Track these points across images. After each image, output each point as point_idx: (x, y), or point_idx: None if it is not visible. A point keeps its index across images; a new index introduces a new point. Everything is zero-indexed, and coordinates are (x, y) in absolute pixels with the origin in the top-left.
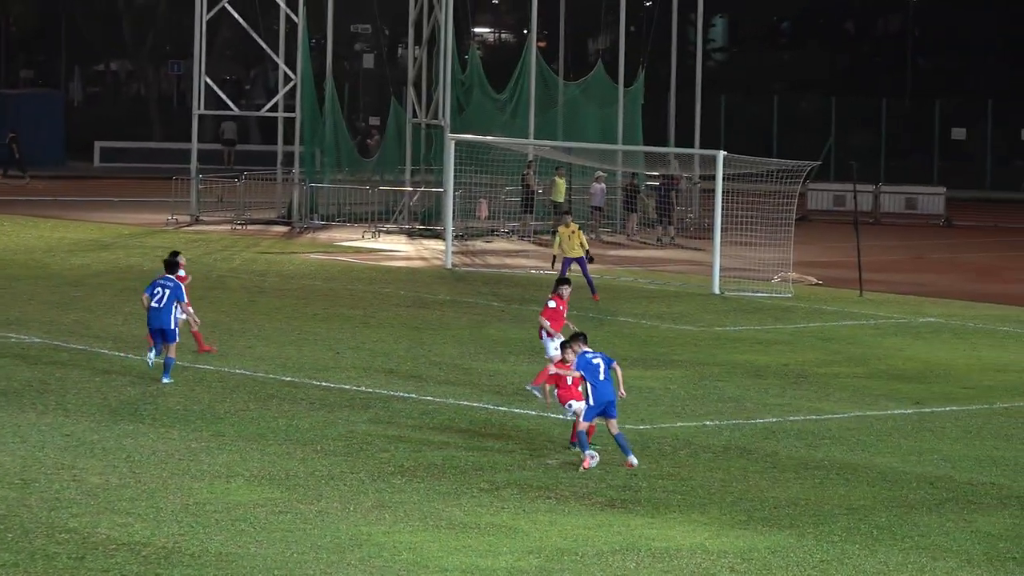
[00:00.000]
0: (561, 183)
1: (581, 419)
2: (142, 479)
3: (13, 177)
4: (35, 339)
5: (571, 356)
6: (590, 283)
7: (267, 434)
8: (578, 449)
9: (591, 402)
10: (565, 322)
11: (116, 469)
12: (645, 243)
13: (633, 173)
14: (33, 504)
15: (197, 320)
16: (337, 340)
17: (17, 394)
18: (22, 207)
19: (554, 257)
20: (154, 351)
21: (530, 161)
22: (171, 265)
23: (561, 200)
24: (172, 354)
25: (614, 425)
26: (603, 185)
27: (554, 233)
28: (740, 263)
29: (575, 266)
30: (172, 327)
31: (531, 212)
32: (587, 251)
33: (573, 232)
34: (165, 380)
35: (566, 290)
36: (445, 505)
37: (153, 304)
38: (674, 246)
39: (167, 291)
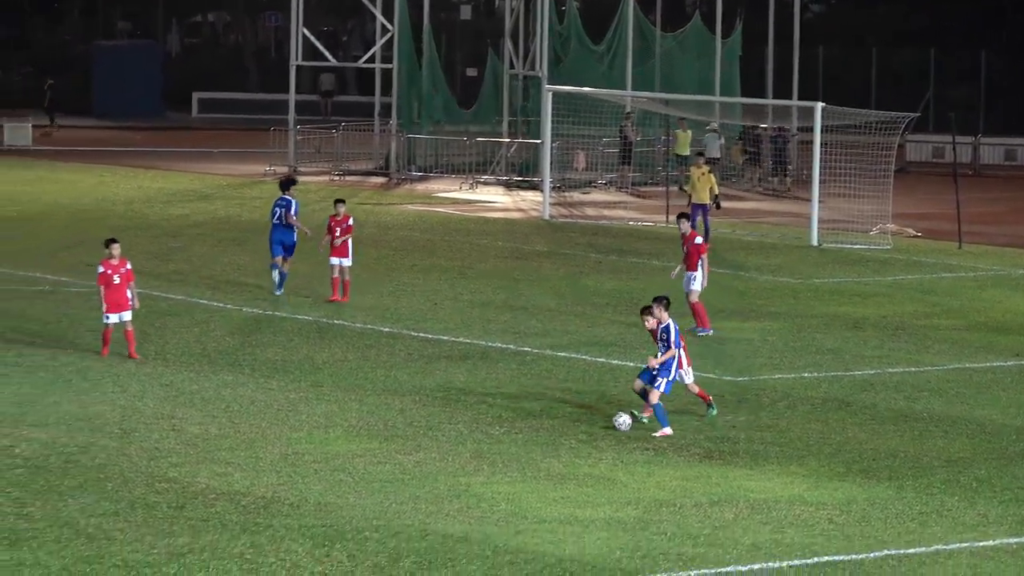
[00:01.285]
0: (684, 136)
1: (662, 391)
2: (241, 429)
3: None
4: (136, 289)
5: (660, 315)
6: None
7: (365, 385)
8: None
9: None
10: (696, 260)
11: (215, 419)
12: (767, 193)
13: (744, 126)
14: (133, 454)
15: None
16: (435, 291)
17: (117, 344)
18: (121, 158)
19: (689, 198)
20: (278, 277)
21: (628, 112)
22: (286, 185)
23: (685, 153)
24: (285, 268)
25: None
26: (720, 137)
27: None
28: (839, 215)
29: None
30: (291, 242)
31: (629, 164)
32: (716, 196)
33: (703, 174)
34: (277, 292)
35: (683, 224)
36: (543, 456)
37: (274, 222)
38: (789, 197)
39: (282, 210)
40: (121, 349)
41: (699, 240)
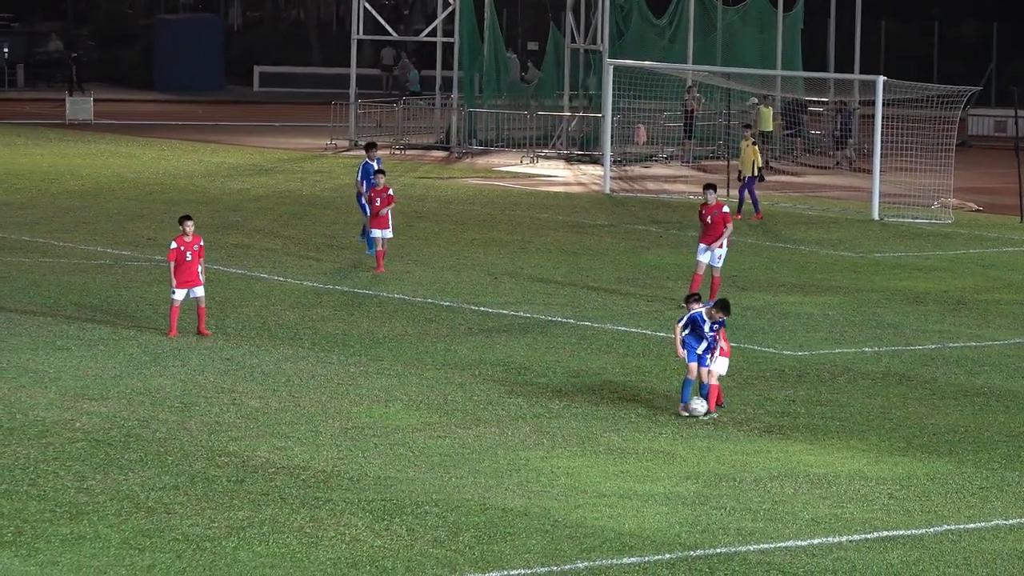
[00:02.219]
0: (767, 112)
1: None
2: (301, 403)
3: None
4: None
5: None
6: (754, 201)
7: (425, 359)
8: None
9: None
10: (722, 231)
11: (275, 393)
12: (820, 167)
13: (785, 100)
14: (193, 427)
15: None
16: (495, 265)
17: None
18: (183, 132)
19: (739, 172)
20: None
21: (690, 86)
22: (368, 148)
23: (769, 129)
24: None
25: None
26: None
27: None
28: (900, 189)
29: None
30: (360, 203)
31: (691, 137)
32: (760, 169)
33: (748, 146)
34: (368, 251)
35: (710, 195)
36: (603, 430)
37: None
38: (852, 171)
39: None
40: (183, 327)
41: (726, 209)
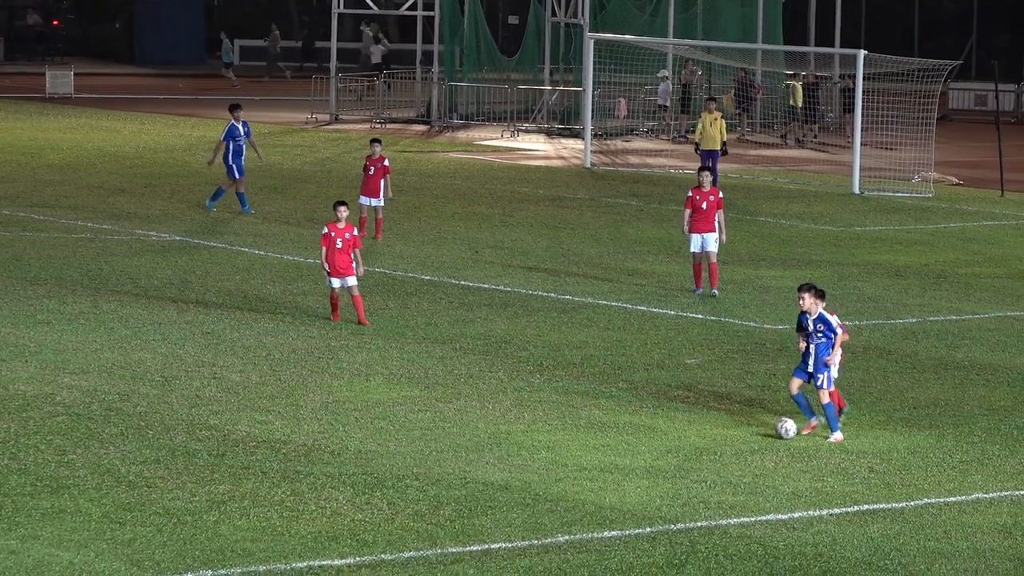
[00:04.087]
0: (799, 88)
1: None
2: (282, 377)
3: None
4: (175, 236)
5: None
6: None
7: (406, 332)
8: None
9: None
10: (714, 217)
11: (256, 367)
12: (762, 142)
13: (742, 68)
14: (174, 401)
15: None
16: (476, 239)
17: (158, 291)
18: (163, 106)
19: (696, 145)
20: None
21: (687, 60)
22: (231, 108)
23: (800, 105)
24: (241, 189)
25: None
26: (668, 84)
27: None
28: (880, 163)
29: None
30: (227, 165)
31: (687, 112)
32: (724, 143)
33: (715, 120)
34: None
35: (704, 178)
36: (583, 404)
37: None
38: (816, 145)
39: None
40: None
41: (721, 195)
